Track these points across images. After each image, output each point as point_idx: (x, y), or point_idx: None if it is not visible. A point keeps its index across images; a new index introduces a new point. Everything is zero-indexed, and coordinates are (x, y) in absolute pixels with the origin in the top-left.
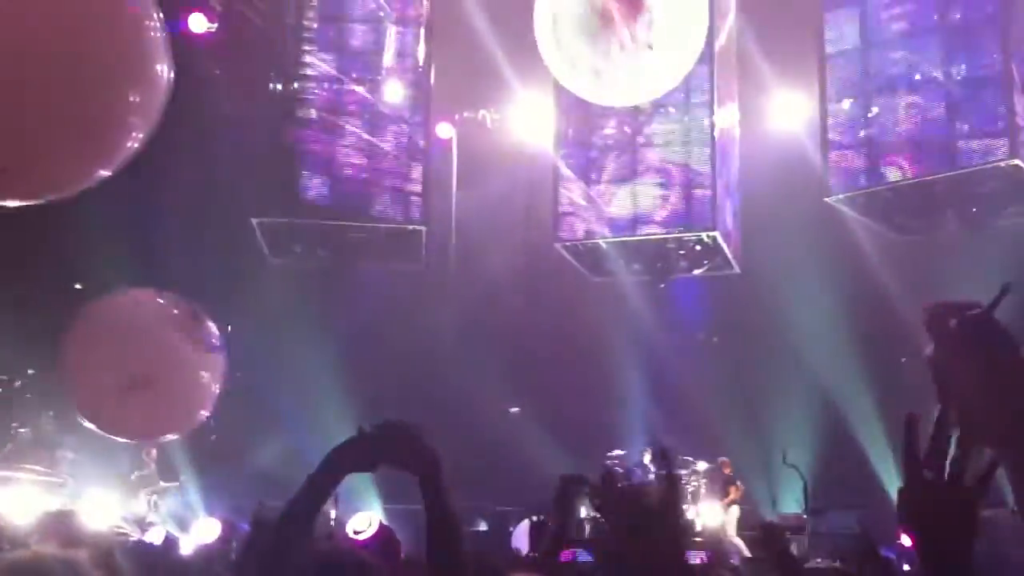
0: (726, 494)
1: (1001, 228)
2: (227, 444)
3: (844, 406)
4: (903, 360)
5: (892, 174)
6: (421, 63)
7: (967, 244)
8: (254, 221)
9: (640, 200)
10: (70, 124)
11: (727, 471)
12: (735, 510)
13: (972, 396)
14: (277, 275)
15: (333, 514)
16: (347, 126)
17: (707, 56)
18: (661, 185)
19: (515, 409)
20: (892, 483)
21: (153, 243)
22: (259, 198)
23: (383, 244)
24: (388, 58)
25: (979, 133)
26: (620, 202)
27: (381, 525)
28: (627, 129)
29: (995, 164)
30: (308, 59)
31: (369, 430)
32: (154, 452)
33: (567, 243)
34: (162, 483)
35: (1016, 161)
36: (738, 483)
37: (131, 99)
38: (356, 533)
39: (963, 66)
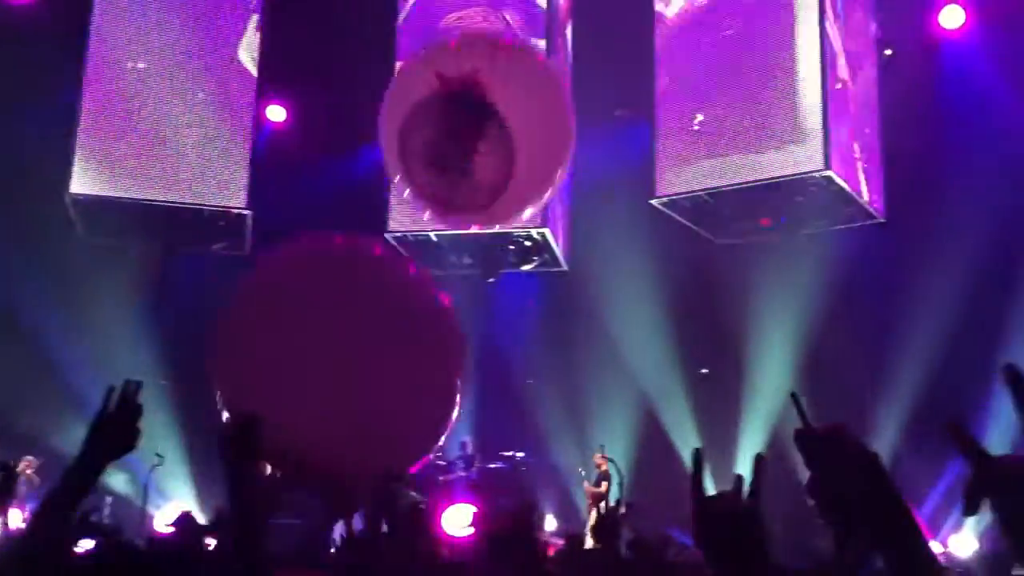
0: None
1: (815, 236)
2: (31, 430)
3: (661, 404)
4: (702, 371)
5: (713, 180)
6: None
7: (782, 250)
8: (67, 196)
9: None
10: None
11: (603, 467)
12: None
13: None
14: (89, 256)
15: (142, 507)
16: None
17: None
18: None
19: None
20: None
21: None
22: (72, 172)
23: (206, 228)
24: None
25: (796, 143)
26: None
27: (188, 517)
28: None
29: (809, 174)
30: None
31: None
32: (30, 466)
33: (397, 234)
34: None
35: (829, 172)
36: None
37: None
38: (165, 526)
39: (778, 79)
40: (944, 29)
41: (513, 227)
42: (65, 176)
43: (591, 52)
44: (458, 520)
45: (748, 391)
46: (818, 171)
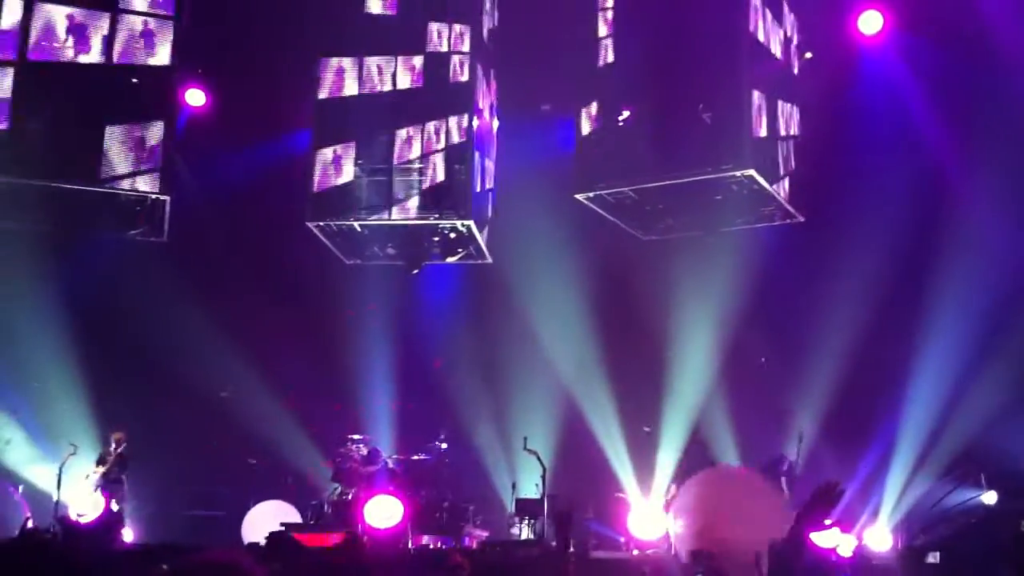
0: None
1: (735, 233)
2: None
3: (583, 396)
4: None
5: (636, 178)
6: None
7: (703, 246)
8: None
9: (397, 186)
10: None
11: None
12: None
13: None
14: None
15: (56, 497)
16: None
17: (472, 57)
18: (419, 172)
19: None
20: (624, 470)
21: None
22: None
23: (121, 212)
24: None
25: (720, 141)
26: (378, 186)
27: (107, 509)
28: (388, 115)
29: (731, 173)
30: None
31: None
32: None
33: (321, 223)
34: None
35: (751, 171)
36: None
37: None
38: (79, 516)
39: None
40: (862, 34)
41: (436, 219)
42: None
43: (519, 46)
44: (381, 512)
45: (669, 382)
46: (740, 171)
